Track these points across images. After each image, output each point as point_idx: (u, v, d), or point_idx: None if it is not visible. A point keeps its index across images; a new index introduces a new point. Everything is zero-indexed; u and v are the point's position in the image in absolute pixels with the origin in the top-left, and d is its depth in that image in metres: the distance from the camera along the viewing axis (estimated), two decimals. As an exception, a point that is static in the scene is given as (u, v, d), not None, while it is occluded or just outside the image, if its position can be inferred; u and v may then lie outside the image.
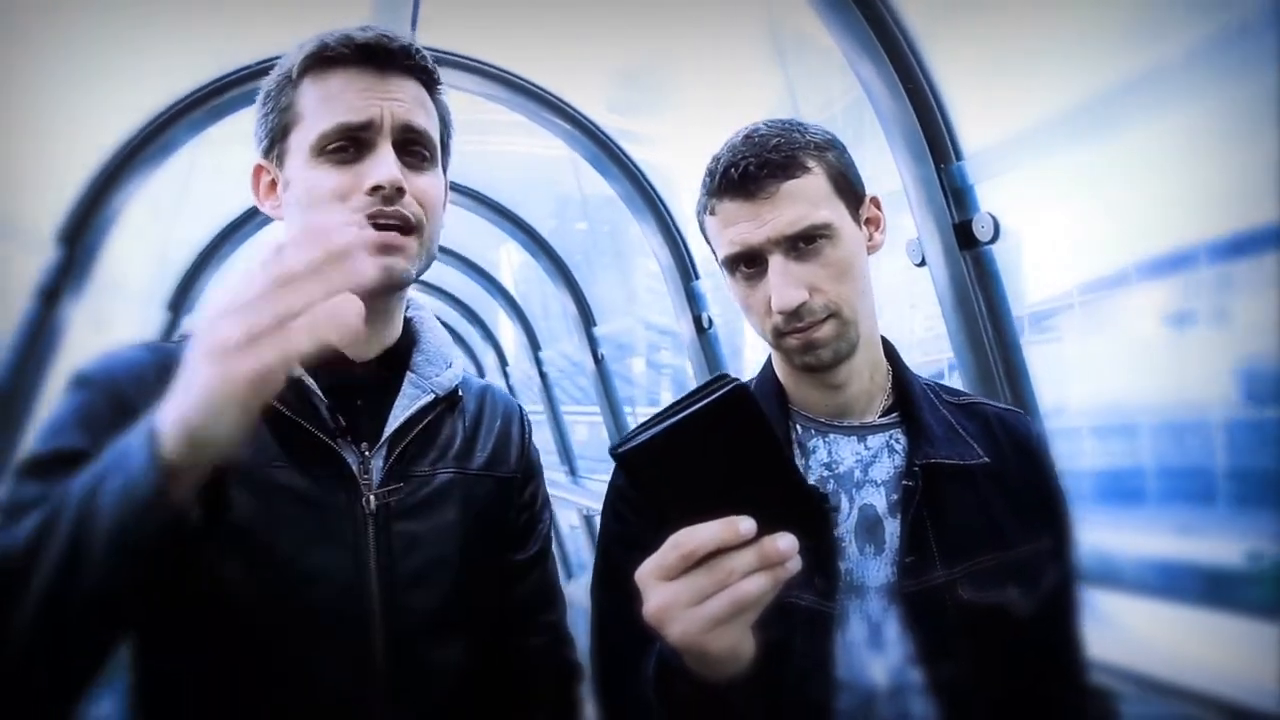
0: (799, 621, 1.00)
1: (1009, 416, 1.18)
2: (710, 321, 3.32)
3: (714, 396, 0.72)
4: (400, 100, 0.99)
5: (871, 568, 1.04)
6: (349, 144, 0.97)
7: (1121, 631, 1.82)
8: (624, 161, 3.23)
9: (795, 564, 0.74)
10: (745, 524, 0.71)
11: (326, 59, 0.98)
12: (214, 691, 0.90)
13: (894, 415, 1.13)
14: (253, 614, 0.90)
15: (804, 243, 1.02)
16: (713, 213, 1.06)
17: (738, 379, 0.74)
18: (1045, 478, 1.14)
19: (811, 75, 3.31)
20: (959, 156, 1.95)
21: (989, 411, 1.17)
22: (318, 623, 0.92)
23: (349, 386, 1.02)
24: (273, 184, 1.03)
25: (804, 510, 0.77)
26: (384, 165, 0.96)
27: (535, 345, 5.78)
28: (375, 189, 0.95)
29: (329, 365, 1.01)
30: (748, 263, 1.04)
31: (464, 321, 6.80)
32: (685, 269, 3.34)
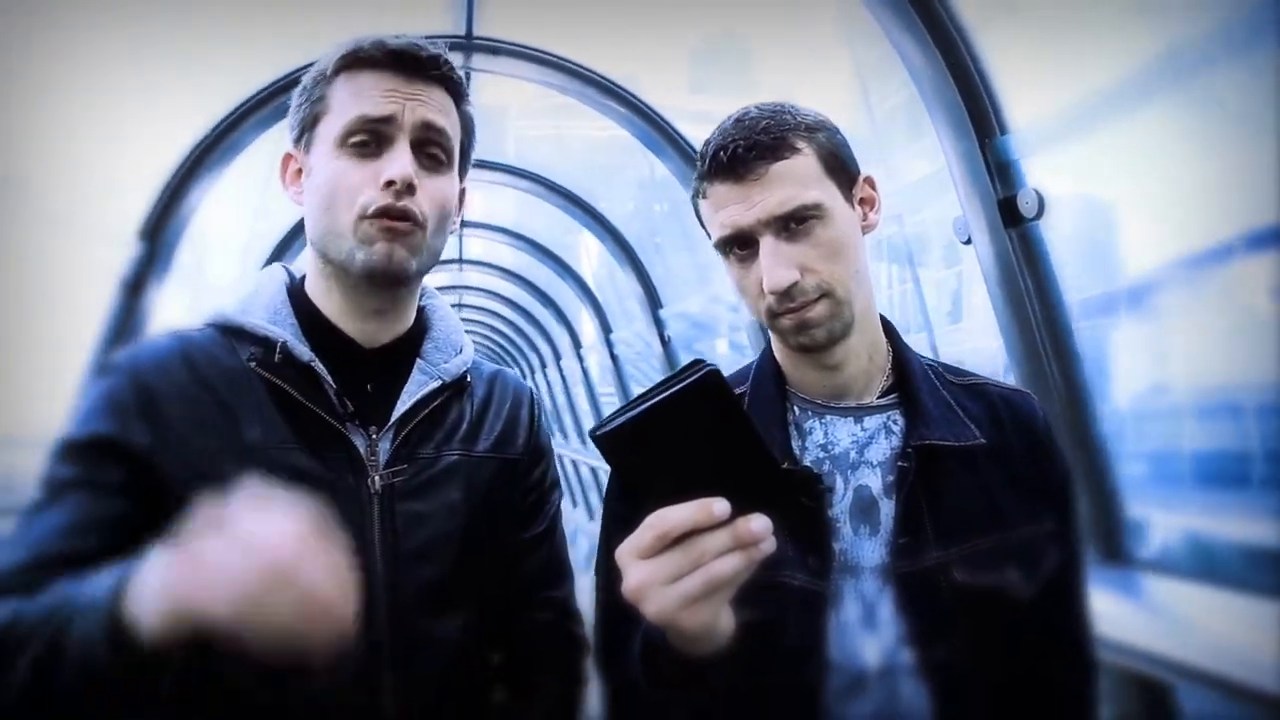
0: (792, 601, 1.00)
1: (1015, 397, 1.15)
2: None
3: (686, 382, 0.73)
4: (423, 101, 1.04)
5: (866, 548, 1.04)
6: (370, 137, 1.02)
7: (1217, 637, 1.68)
8: (680, 143, 3.22)
9: (770, 545, 0.75)
10: (719, 505, 0.73)
11: (360, 60, 1.04)
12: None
13: (893, 396, 1.12)
14: None
15: (794, 223, 1.02)
16: (704, 196, 1.07)
17: (713, 365, 0.75)
18: (1050, 460, 1.12)
19: (881, 60, 3.25)
20: (1004, 130, 1.88)
21: (993, 392, 1.15)
22: None
23: (360, 372, 1.07)
24: (299, 172, 1.09)
25: (779, 492, 0.78)
26: (398, 162, 1.01)
27: (606, 328, 5.83)
28: (388, 184, 1.00)
29: (341, 352, 1.06)
30: (740, 245, 1.05)
31: (537, 304, 6.92)
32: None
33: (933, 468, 1.05)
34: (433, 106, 1.05)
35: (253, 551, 0.68)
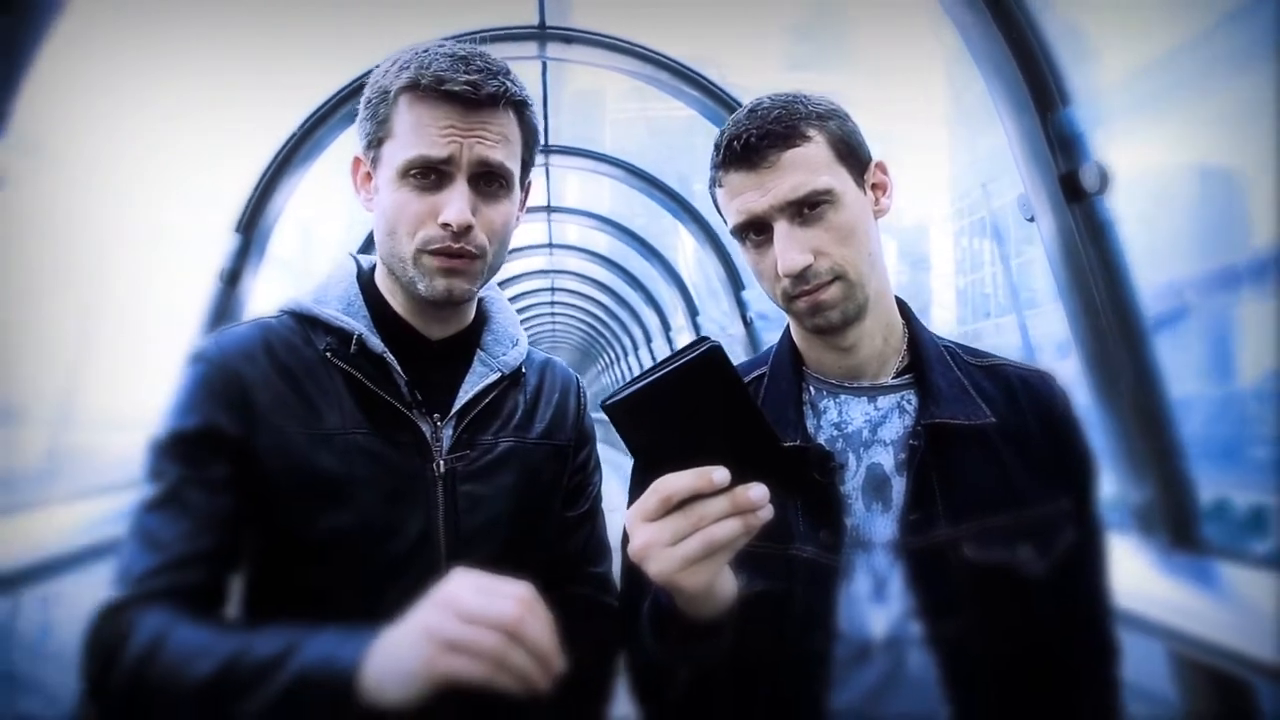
0: (804, 573, 1.04)
1: (1032, 378, 1.16)
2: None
3: (688, 358, 0.78)
4: (481, 138, 1.07)
5: (879, 524, 1.06)
6: (429, 173, 1.07)
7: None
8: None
9: (767, 513, 0.79)
10: (718, 474, 0.78)
11: (423, 88, 1.06)
12: (317, 615, 0.99)
13: (907, 377, 1.14)
14: (339, 558, 1.05)
15: (807, 208, 1.05)
16: (720, 185, 1.11)
17: (716, 342, 0.80)
18: (1068, 439, 1.12)
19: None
20: (1066, 102, 1.82)
21: (1011, 373, 1.16)
22: (394, 567, 1.06)
23: (426, 363, 1.15)
24: (368, 176, 1.16)
25: (777, 464, 0.82)
26: (455, 205, 1.06)
27: (693, 310, 5.85)
28: (445, 225, 1.06)
29: (408, 344, 1.14)
30: (756, 230, 1.08)
31: (628, 288, 6.99)
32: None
33: (945, 446, 1.07)
34: (490, 139, 1.08)
35: (492, 622, 0.78)
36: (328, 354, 1.10)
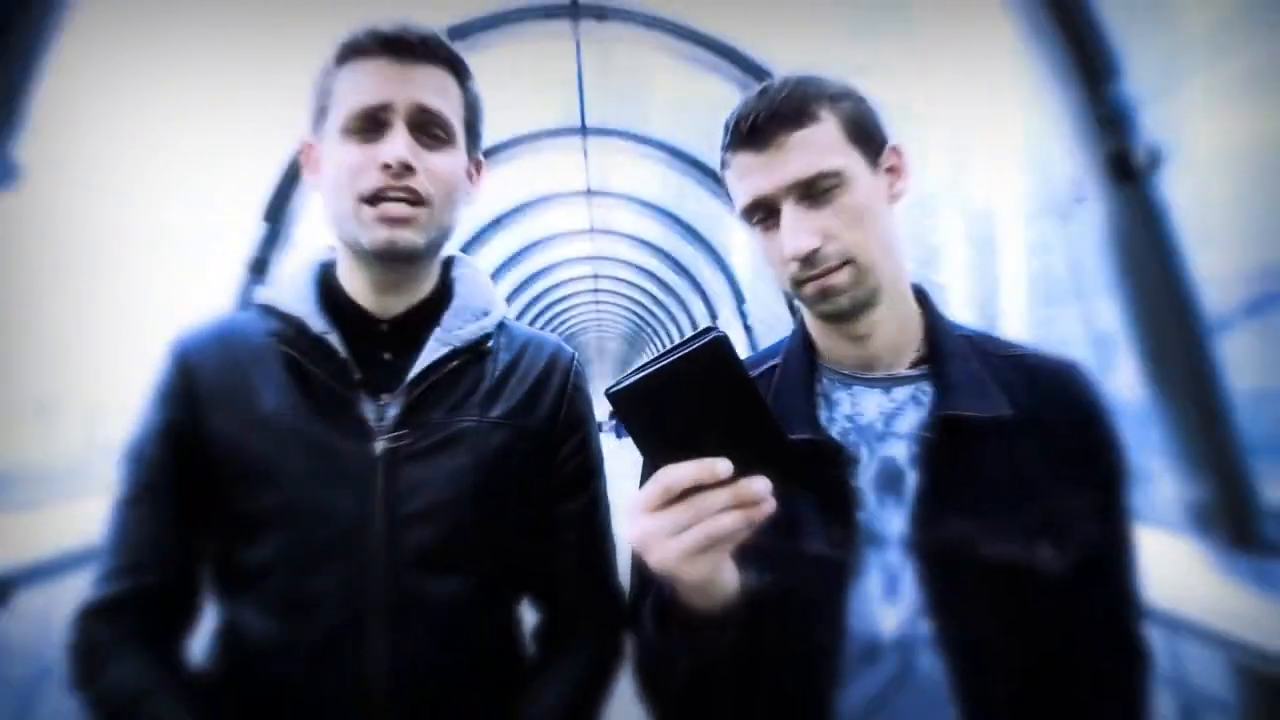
0: (813, 568, 1.01)
1: (1059, 369, 1.10)
2: None
3: (692, 348, 0.76)
4: (418, 83, 1.08)
5: (891, 519, 1.03)
6: (368, 124, 1.06)
7: None
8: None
9: (769, 506, 0.78)
10: (722, 465, 0.76)
11: (357, 50, 1.08)
12: (256, 593, 1.06)
13: (924, 368, 1.09)
14: (275, 542, 1.05)
15: (815, 190, 1.01)
16: (728, 166, 1.07)
17: (721, 332, 0.78)
18: (1093, 432, 1.06)
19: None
20: (1117, 78, 1.71)
21: (1035, 363, 1.10)
22: (326, 550, 1.05)
23: (378, 343, 1.13)
24: (316, 161, 1.14)
25: (781, 456, 0.80)
26: (393, 145, 1.05)
27: (739, 298, 5.78)
28: (385, 166, 1.04)
29: (359, 325, 1.12)
30: (764, 213, 1.05)
31: (674, 275, 6.94)
32: None
33: (960, 439, 1.02)
34: (428, 88, 1.08)
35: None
36: (274, 339, 1.10)
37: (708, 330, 0.78)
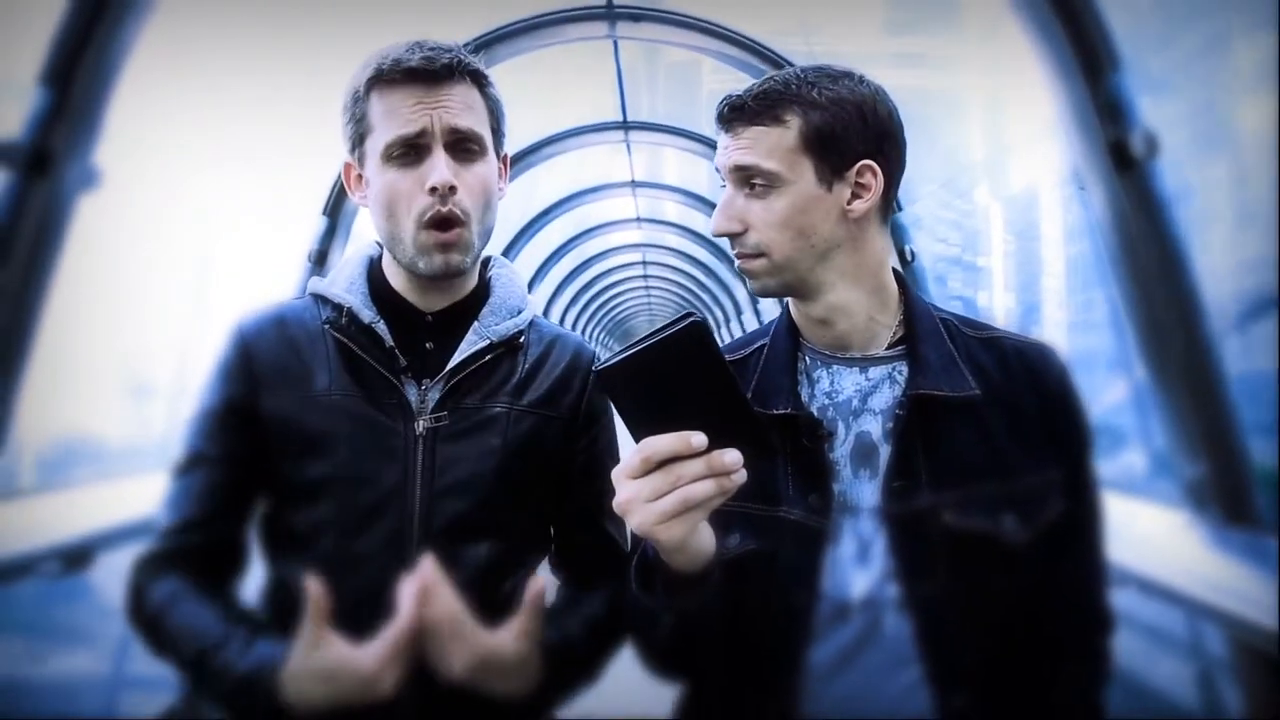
0: (791, 534, 1.10)
1: (1029, 350, 1.17)
2: (914, 255, 3.21)
3: (670, 331, 0.85)
4: (447, 107, 1.19)
5: (865, 490, 1.10)
6: (408, 150, 1.18)
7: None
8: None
9: (740, 476, 0.86)
10: (696, 438, 0.85)
11: (384, 80, 1.19)
12: (304, 553, 1.18)
13: (900, 348, 1.16)
14: (324, 508, 1.18)
15: (752, 182, 1.11)
16: (718, 136, 1.18)
17: (700, 317, 0.88)
18: (1061, 411, 1.13)
19: None
20: (1116, 67, 1.77)
21: (1008, 345, 1.17)
22: (368, 515, 1.18)
23: (421, 334, 1.26)
24: (359, 178, 1.28)
25: (751, 431, 0.89)
26: (437, 170, 1.17)
27: None
28: (432, 190, 1.17)
29: (405, 317, 1.26)
30: (724, 186, 1.15)
31: (718, 262, 7.01)
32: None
33: (931, 416, 1.10)
34: (456, 108, 1.19)
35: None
36: (326, 326, 1.23)
37: (687, 316, 0.87)
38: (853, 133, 1.11)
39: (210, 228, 3.62)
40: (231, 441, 1.21)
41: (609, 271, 9.60)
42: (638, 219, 6.48)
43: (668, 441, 0.85)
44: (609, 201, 6.30)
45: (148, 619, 1.15)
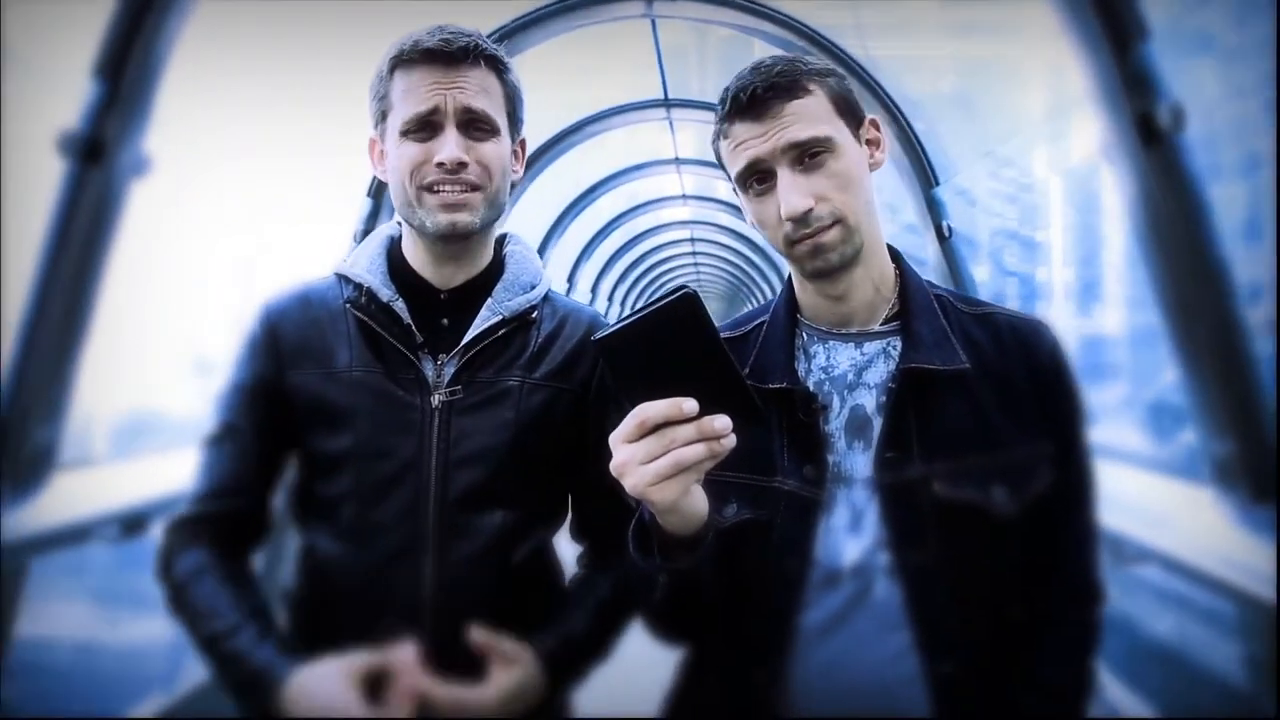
0: (786, 504, 1.14)
1: (1022, 325, 1.19)
2: (951, 230, 3.18)
3: (663, 304, 0.90)
4: (462, 88, 1.24)
5: (859, 461, 1.14)
6: (423, 127, 1.24)
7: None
8: (843, 57, 3.16)
9: (730, 441, 0.90)
10: (688, 404, 0.89)
11: (405, 60, 1.26)
12: (329, 521, 1.27)
13: (895, 324, 1.19)
14: (345, 478, 1.25)
15: (809, 155, 1.12)
16: (726, 137, 1.18)
17: (692, 291, 0.91)
18: (1053, 387, 1.15)
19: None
20: (1143, 38, 1.74)
21: (1002, 321, 1.19)
22: (387, 484, 1.25)
23: (438, 310, 1.31)
24: (381, 153, 1.33)
25: (740, 399, 0.93)
26: (447, 146, 1.23)
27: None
28: (440, 164, 1.23)
29: (422, 295, 1.31)
30: (759, 179, 1.15)
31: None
32: (925, 174, 3.21)
33: (922, 390, 1.13)
34: (472, 90, 1.24)
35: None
36: (347, 305, 1.29)
37: (680, 289, 0.91)
38: (852, 94, 1.17)
39: (263, 209, 3.75)
40: (258, 414, 1.27)
41: (659, 248, 9.62)
42: (683, 196, 6.49)
43: (661, 407, 0.89)
44: (657, 178, 6.32)
45: (174, 586, 1.23)
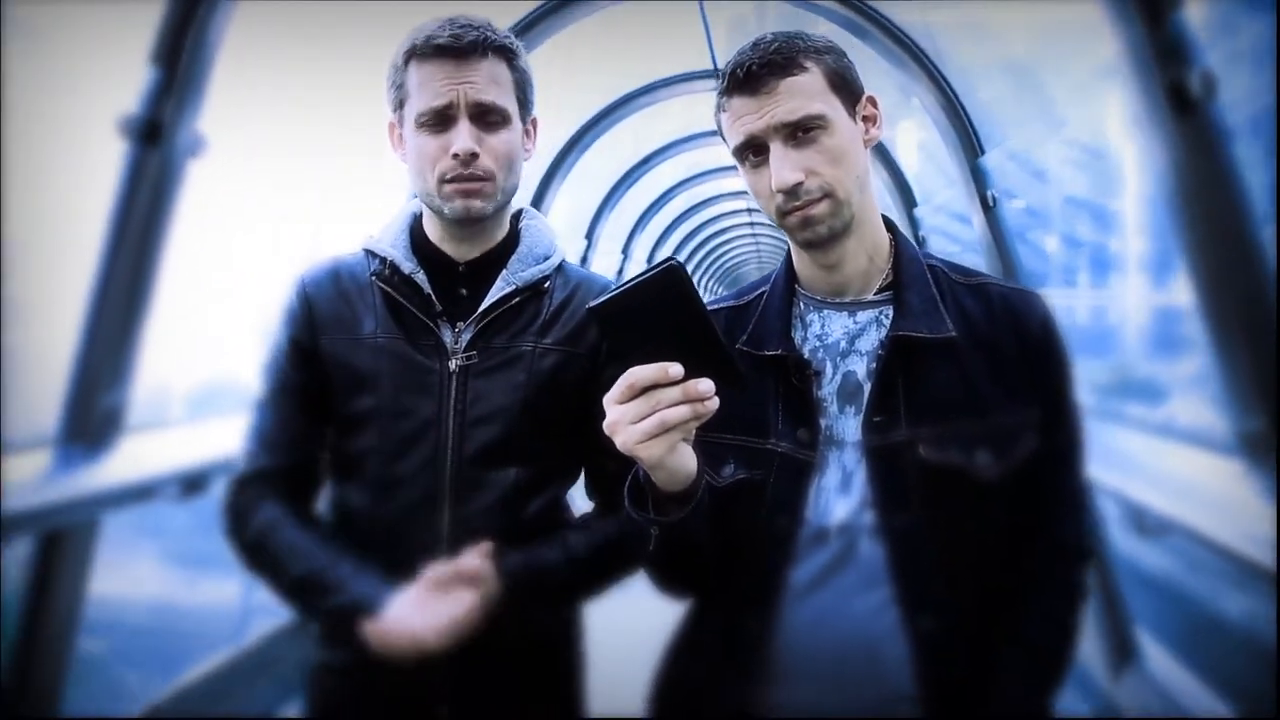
0: (779, 466, 1.20)
1: (1013, 295, 1.23)
2: (996, 200, 3.13)
3: (650, 274, 0.97)
4: (474, 82, 1.31)
5: (850, 425, 1.19)
6: (437, 119, 1.32)
7: None
8: (889, 27, 3.12)
9: (713, 403, 0.97)
10: (674, 368, 0.96)
11: (418, 54, 1.33)
12: (356, 475, 1.38)
13: (888, 293, 1.23)
14: (369, 436, 1.36)
15: (801, 131, 1.16)
16: (725, 110, 1.23)
17: (677, 262, 0.99)
18: (1042, 355, 1.19)
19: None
20: (1176, 5, 1.70)
21: (994, 291, 1.23)
22: (406, 442, 1.35)
23: (456, 282, 1.40)
24: (400, 137, 1.42)
25: (722, 363, 1.00)
26: (460, 139, 1.31)
27: (910, 201, 5.22)
28: (454, 156, 1.31)
29: (442, 267, 1.40)
30: (755, 151, 1.20)
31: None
32: (970, 144, 3.16)
33: (911, 357, 1.18)
34: (481, 83, 1.31)
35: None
36: (373, 277, 1.39)
37: (667, 260, 0.98)
38: (852, 70, 1.21)
39: (323, 184, 3.90)
40: (301, 376, 1.39)
41: (719, 217, 9.59)
42: (736, 167, 6.44)
43: (649, 371, 0.96)
44: (716, 148, 6.26)
45: (252, 538, 1.34)
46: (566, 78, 4.40)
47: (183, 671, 2.61)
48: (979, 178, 3.17)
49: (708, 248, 11.19)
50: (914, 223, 5.17)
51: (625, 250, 7.65)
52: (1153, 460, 2.32)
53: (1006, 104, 3.78)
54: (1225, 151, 1.70)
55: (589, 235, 6.41)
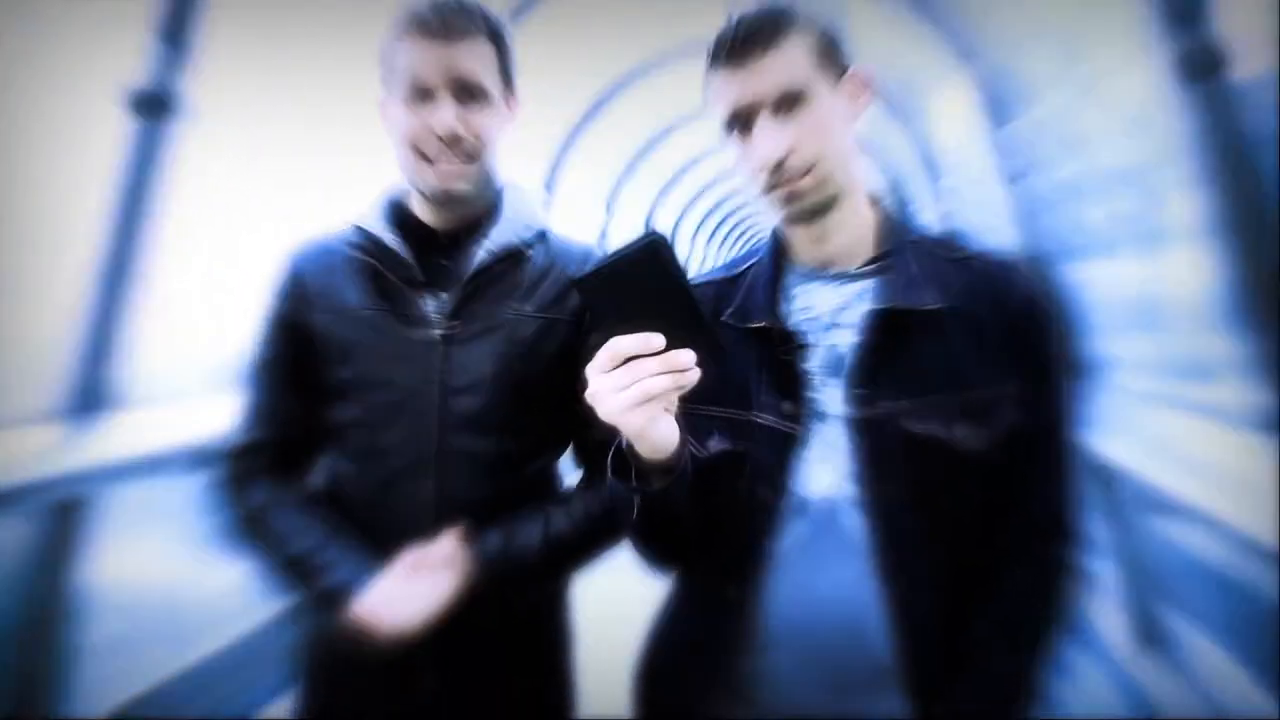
0: (764, 437, 1.20)
1: (997, 269, 1.20)
2: (1023, 171, 3.04)
3: (633, 248, 0.97)
4: (458, 61, 1.32)
5: (834, 398, 1.18)
6: (421, 95, 1.32)
7: None
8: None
9: (694, 374, 0.98)
10: (656, 339, 0.97)
11: (405, 32, 1.33)
12: (345, 445, 1.38)
13: (874, 266, 1.21)
14: (354, 406, 1.36)
15: (785, 104, 1.14)
16: (712, 82, 1.20)
17: (659, 234, 0.99)
18: (1026, 329, 1.17)
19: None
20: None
21: (979, 265, 1.21)
22: (392, 415, 1.35)
23: (438, 252, 1.40)
24: (390, 115, 1.40)
25: (703, 335, 1.00)
26: (442, 117, 1.31)
27: (934, 174, 5.13)
28: (436, 134, 1.31)
29: (423, 238, 1.40)
30: (742, 124, 1.17)
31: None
32: (1001, 113, 3.07)
33: (893, 329, 1.16)
34: (466, 62, 1.31)
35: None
36: (357, 249, 1.39)
37: (650, 233, 0.98)
38: (839, 42, 1.19)
39: (345, 156, 3.90)
40: (293, 349, 1.40)
41: (741, 190, 9.48)
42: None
43: (631, 341, 0.96)
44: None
45: (248, 512, 1.36)
46: (582, 48, 4.35)
47: (193, 652, 2.65)
48: (1002, 149, 3.09)
49: (737, 217, 11.08)
50: (939, 196, 5.07)
51: (646, 222, 7.60)
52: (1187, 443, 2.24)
53: (1040, 72, 3.67)
54: (1242, 118, 1.63)
55: (608, 206, 6.38)
